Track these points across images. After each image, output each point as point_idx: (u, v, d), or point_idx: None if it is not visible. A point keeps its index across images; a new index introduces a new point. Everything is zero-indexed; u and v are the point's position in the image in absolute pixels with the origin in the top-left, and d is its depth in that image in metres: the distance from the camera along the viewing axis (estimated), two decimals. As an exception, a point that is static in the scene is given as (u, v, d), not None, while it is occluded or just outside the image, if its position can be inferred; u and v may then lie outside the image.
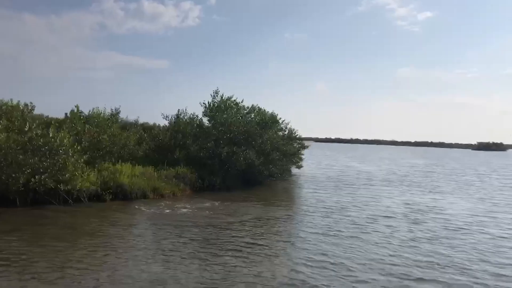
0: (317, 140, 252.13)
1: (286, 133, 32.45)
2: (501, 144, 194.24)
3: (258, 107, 31.50)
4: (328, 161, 61.39)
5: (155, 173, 22.39)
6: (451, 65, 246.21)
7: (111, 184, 19.52)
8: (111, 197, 19.09)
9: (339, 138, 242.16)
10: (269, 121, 29.35)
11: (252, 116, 31.06)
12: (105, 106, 27.68)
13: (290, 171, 33.94)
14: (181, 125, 26.09)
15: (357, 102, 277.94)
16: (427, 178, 38.75)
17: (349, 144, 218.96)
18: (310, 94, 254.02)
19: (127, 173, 21.05)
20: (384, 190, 28.18)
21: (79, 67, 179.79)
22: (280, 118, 31.84)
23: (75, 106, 23.31)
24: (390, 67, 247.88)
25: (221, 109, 28.41)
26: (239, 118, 28.46)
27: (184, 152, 24.94)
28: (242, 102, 30.87)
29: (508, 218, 19.17)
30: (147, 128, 34.72)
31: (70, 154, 17.92)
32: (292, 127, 33.93)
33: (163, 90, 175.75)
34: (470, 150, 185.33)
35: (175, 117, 28.69)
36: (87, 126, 21.45)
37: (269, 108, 33.20)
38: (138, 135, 26.33)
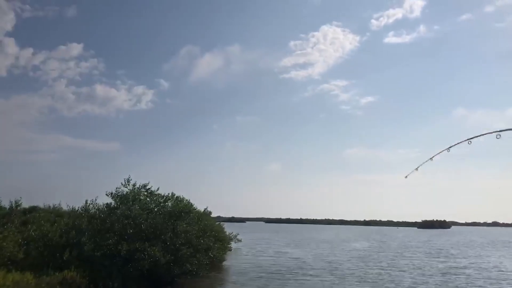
0: (268, 220, 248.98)
1: (201, 225, 30.12)
2: (444, 221, 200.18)
3: (174, 195, 29.42)
4: (262, 246, 59.23)
5: (35, 280, 19.20)
6: (394, 145, 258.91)
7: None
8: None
9: (289, 219, 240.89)
10: (181, 212, 27.04)
11: (170, 205, 28.85)
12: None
13: (209, 265, 31.13)
14: (76, 219, 23.35)
15: (308, 182, 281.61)
16: (358, 267, 37.01)
17: (299, 224, 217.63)
18: (264, 175, 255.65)
19: (-6, 283, 17.82)
20: (307, 285, 26.11)
21: (25, 150, 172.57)
22: (195, 208, 29.75)
23: None
24: (338, 147, 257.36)
25: (128, 199, 26.03)
26: (149, 209, 26.09)
27: (77, 252, 21.95)
28: (157, 190, 28.78)
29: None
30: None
31: None
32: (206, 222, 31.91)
33: (113, 173, 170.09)
34: (416, 228, 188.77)
35: (82, 208, 26.00)
36: None
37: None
38: (26, 234, 23.01)
